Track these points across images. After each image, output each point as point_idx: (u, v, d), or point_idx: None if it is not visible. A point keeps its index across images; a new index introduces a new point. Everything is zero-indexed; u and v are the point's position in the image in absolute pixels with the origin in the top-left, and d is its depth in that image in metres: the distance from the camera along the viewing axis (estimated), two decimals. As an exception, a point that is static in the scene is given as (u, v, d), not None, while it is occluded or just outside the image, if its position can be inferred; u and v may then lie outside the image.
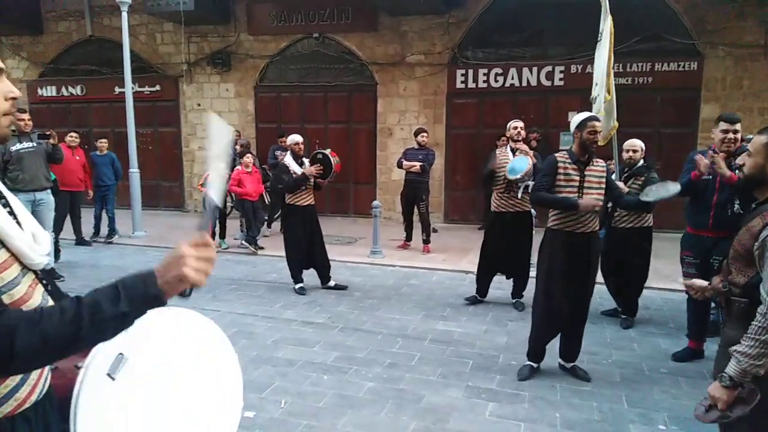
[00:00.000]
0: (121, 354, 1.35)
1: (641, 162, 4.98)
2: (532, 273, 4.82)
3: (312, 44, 11.03)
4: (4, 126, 1.20)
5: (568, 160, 3.80)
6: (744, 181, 2.15)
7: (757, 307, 1.85)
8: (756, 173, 2.05)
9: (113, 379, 1.33)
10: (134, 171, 9.33)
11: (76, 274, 6.69)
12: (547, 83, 9.95)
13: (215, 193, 1.38)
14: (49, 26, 12.24)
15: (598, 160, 3.95)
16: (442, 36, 10.23)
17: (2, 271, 1.10)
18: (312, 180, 5.95)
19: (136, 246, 8.64)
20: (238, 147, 9.13)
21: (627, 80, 9.54)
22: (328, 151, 6.06)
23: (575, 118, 3.87)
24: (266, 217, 9.18)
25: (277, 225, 9.61)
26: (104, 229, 8.90)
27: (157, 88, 11.94)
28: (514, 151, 5.48)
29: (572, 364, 4.06)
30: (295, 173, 5.91)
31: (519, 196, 5.35)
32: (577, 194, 3.74)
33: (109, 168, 8.72)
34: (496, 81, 10.15)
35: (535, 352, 4.04)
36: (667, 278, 5.46)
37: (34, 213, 5.40)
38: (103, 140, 8.94)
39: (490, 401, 3.62)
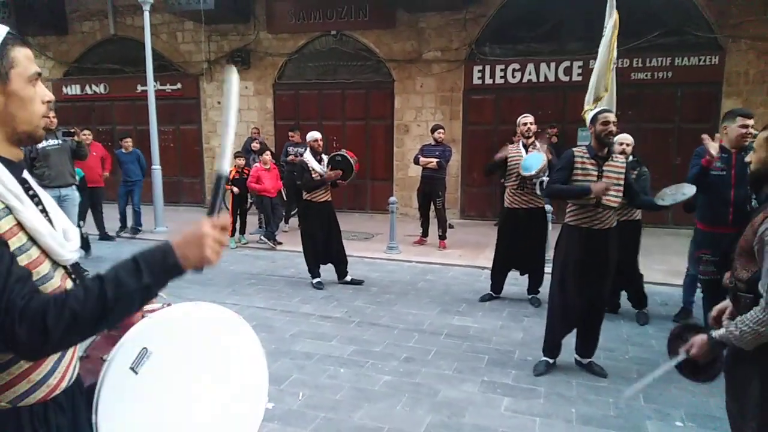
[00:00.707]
0: (145, 348, 1.38)
1: (631, 157, 4.94)
2: (547, 269, 4.81)
3: (330, 42, 11.10)
4: (41, 127, 1.25)
5: (587, 155, 3.80)
6: (752, 177, 2.16)
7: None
8: (761, 168, 2.08)
9: (136, 373, 1.37)
10: (156, 168, 9.51)
11: (101, 268, 6.80)
12: (565, 78, 9.87)
13: (223, 159, 1.35)
14: (74, 26, 12.50)
15: (618, 156, 3.96)
16: (459, 32, 10.21)
17: (36, 267, 1.15)
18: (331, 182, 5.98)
19: (159, 241, 8.78)
20: (256, 145, 9.25)
21: (647, 75, 9.43)
22: (344, 152, 6.06)
23: (589, 116, 3.92)
24: (284, 213, 9.28)
25: (294, 221, 9.72)
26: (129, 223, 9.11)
27: (179, 86, 12.13)
28: (526, 147, 5.46)
29: (588, 360, 4.07)
30: (314, 170, 5.93)
31: (538, 192, 5.34)
32: None
33: (135, 164, 8.92)
34: (514, 77, 10.10)
35: (551, 347, 4.07)
36: (684, 275, 5.41)
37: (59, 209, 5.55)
38: (128, 139, 9.11)
39: (505, 396, 3.65)
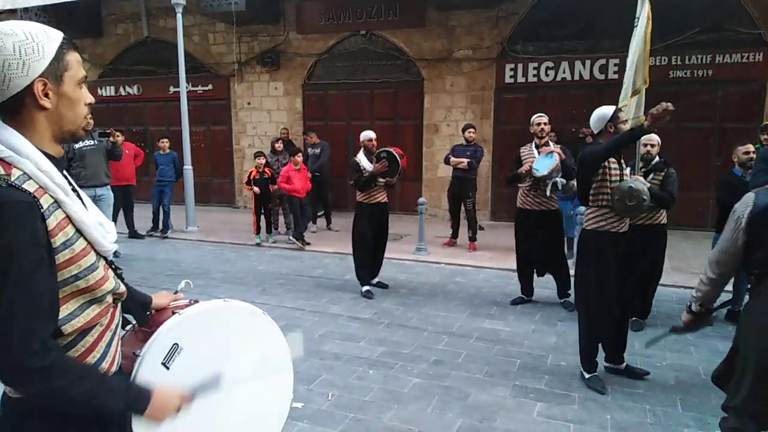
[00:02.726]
0: (176, 344, 1.41)
1: (657, 158, 4.77)
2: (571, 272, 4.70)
3: (359, 41, 11.10)
4: (82, 127, 1.34)
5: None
6: None
7: (765, 281, 2.34)
8: None
9: (168, 368, 1.39)
10: (188, 168, 9.65)
11: (133, 267, 7.00)
12: (601, 77, 9.64)
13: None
14: (109, 29, 12.81)
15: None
16: (491, 30, 10.08)
17: (83, 258, 1.22)
18: (380, 178, 5.75)
19: (190, 240, 8.95)
20: (278, 145, 9.30)
21: (686, 73, 9.15)
22: (390, 148, 5.80)
23: (600, 114, 3.79)
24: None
25: (321, 221, 9.75)
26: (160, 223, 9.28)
27: (210, 87, 12.31)
28: (538, 147, 5.34)
29: (624, 364, 3.94)
30: (365, 169, 5.74)
31: (548, 193, 5.22)
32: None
33: (170, 166, 9.07)
34: (547, 75, 9.92)
35: (591, 361, 3.84)
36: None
37: (96, 208, 5.68)
38: (165, 140, 9.27)
39: (538, 401, 3.56)
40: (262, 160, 8.42)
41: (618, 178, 3.68)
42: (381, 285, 6.16)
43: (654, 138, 4.82)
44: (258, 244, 8.46)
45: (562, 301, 5.49)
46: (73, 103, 1.28)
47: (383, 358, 4.25)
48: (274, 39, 11.54)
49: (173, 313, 1.50)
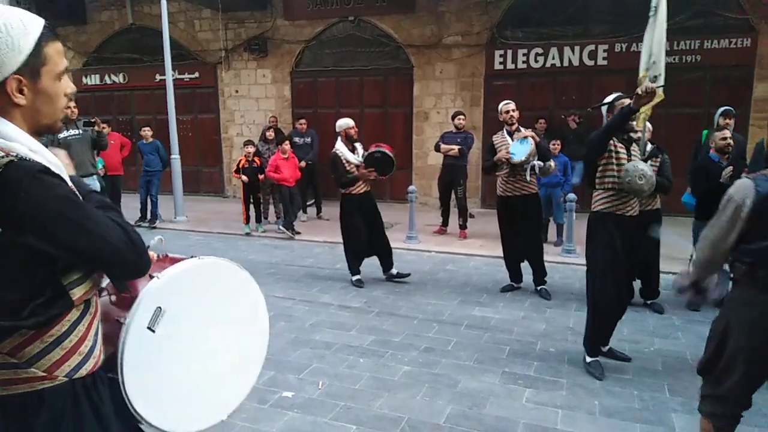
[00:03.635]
0: (159, 307, 1.47)
1: (649, 144, 4.84)
2: (554, 258, 4.74)
3: (347, 28, 10.98)
4: (60, 120, 1.31)
5: (615, 138, 3.74)
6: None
7: (759, 270, 2.26)
8: None
9: (153, 331, 1.46)
10: (175, 157, 9.55)
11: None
12: (590, 63, 9.63)
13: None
14: (92, 15, 12.57)
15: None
16: (480, 16, 10.01)
17: None
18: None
19: (178, 231, 8.88)
20: (270, 133, 9.21)
21: (674, 59, 9.14)
22: (383, 149, 5.61)
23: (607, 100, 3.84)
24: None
25: (311, 211, 9.71)
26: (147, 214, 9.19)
27: (196, 75, 12.14)
28: (511, 134, 5.34)
29: (608, 347, 3.99)
30: (348, 162, 5.61)
31: (527, 178, 5.24)
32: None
33: (155, 155, 8.94)
34: (537, 61, 9.88)
35: (597, 345, 3.86)
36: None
37: (82, 198, 5.61)
38: (147, 128, 9.12)
39: (527, 387, 3.58)
40: (251, 149, 8.34)
41: (625, 161, 3.71)
42: (401, 275, 5.99)
43: (647, 125, 4.84)
44: (248, 234, 8.41)
45: (538, 289, 5.46)
46: (51, 98, 1.24)
47: (373, 346, 4.25)
48: (262, 25, 11.39)
49: (150, 276, 1.53)
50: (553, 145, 7.37)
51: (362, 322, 4.78)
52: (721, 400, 2.43)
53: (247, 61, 11.72)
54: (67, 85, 1.28)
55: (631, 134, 3.82)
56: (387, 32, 10.70)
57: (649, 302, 5.08)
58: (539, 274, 5.47)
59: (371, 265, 6.23)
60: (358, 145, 5.80)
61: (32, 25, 1.18)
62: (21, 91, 1.18)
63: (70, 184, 1.24)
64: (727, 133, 5.06)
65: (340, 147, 5.71)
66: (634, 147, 3.82)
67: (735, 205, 2.27)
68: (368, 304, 5.25)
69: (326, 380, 3.68)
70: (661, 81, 4.65)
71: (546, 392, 3.52)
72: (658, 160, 4.80)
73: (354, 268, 5.90)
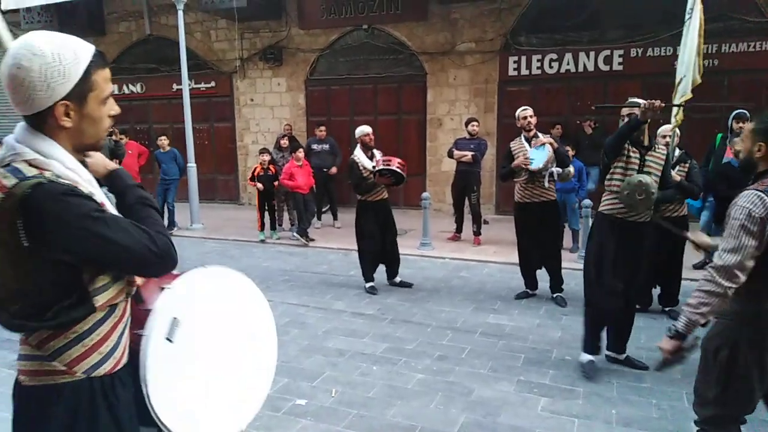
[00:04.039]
0: (175, 318, 1.50)
1: (678, 150, 4.81)
2: (571, 264, 4.71)
3: (361, 36, 11.04)
4: (103, 140, 1.40)
5: (630, 143, 3.76)
6: (740, 165, 2.37)
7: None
8: (747, 157, 2.25)
9: (172, 342, 1.49)
10: (192, 165, 9.66)
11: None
12: (605, 68, 9.55)
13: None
14: (111, 27, 12.80)
15: (661, 147, 3.93)
16: (494, 22, 10.00)
17: None
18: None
19: (194, 238, 8.97)
20: (284, 141, 9.27)
21: (691, 63, 9.04)
22: (393, 167, 5.54)
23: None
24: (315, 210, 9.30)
25: (326, 218, 9.74)
26: (165, 221, 9.29)
27: (212, 84, 12.29)
28: (529, 140, 5.30)
29: (625, 354, 3.95)
30: (364, 168, 5.65)
31: (546, 185, 5.20)
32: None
33: (172, 163, 9.07)
34: (551, 67, 9.83)
35: (593, 343, 3.89)
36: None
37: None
38: (163, 137, 9.25)
39: (542, 396, 3.54)
40: (267, 157, 8.41)
41: (637, 167, 3.72)
42: (404, 284, 6.02)
43: (665, 129, 4.80)
44: (262, 241, 8.46)
45: (554, 296, 5.42)
46: (95, 121, 1.33)
47: (387, 354, 4.24)
48: (276, 35, 11.50)
49: (161, 289, 1.57)
50: (567, 151, 7.31)
51: (376, 329, 4.77)
52: (726, 418, 2.30)
53: (263, 70, 11.83)
54: (112, 107, 1.38)
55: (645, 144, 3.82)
56: (400, 40, 10.73)
57: (667, 309, 5.00)
58: (556, 281, 5.42)
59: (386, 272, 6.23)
60: (376, 152, 5.82)
61: (83, 53, 1.28)
62: (68, 115, 1.27)
63: (99, 194, 1.32)
64: None
65: (358, 153, 5.77)
66: (655, 152, 3.78)
67: (756, 218, 2.03)
68: (382, 311, 5.24)
69: (339, 388, 3.67)
70: (688, 85, 4.61)
71: (562, 401, 3.48)
72: (687, 165, 4.76)
73: (368, 275, 5.90)
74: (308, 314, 5.17)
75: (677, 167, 4.74)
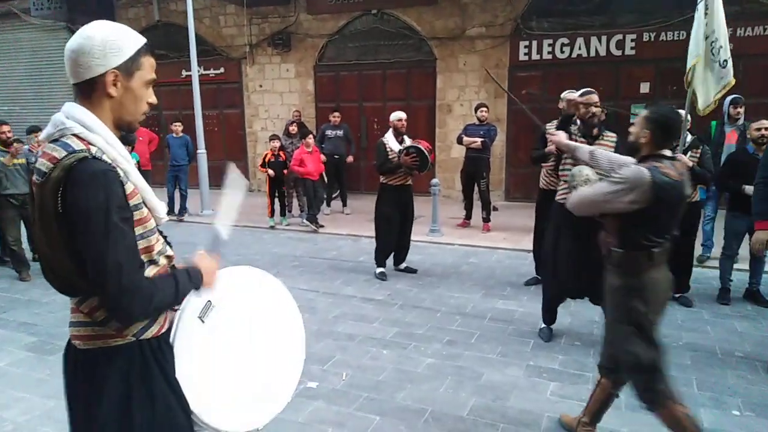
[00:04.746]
0: (209, 301, 1.60)
1: (689, 135, 4.75)
2: None
3: (370, 21, 10.96)
4: (138, 121, 1.52)
5: (578, 134, 3.99)
6: (626, 147, 2.71)
7: (626, 253, 2.57)
8: (633, 140, 2.58)
9: (203, 322, 1.59)
10: (201, 152, 9.70)
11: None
12: (618, 53, 9.44)
13: (223, 225, 1.78)
14: (120, 13, 12.79)
15: (609, 134, 4.08)
16: (504, 6, 9.89)
17: (148, 221, 1.45)
18: (407, 168, 5.62)
19: (205, 224, 9.02)
20: (293, 128, 9.27)
21: (705, 47, 8.90)
22: (419, 144, 5.61)
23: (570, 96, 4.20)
24: (325, 196, 9.32)
25: (336, 204, 9.77)
26: (176, 207, 9.36)
27: (222, 70, 12.28)
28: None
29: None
30: (391, 150, 5.66)
31: None
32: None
33: (183, 149, 9.11)
34: (562, 52, 9.73)
35: (549, 317, 4.31)
36: (744, 259, 5.15)
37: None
38: (178, 123, 9.29)
39: (552, 381, 3.56)
40: (277, 143, 8.42)
41: None
42: (409, 270, 6.06)
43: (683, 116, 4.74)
44: (272, 227, 8.51)
45: None
46: (137, 98, 1.48)
47: (397, 338, 4.27)
48: (285, 20, 11.45)
49: None
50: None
51: (385, 314, 4.81)
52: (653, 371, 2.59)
53: (271, 55, 11.80)
54: (151, 95, 1.52)
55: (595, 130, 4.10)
56: (410, 25, 10.65)
57: (677, 295, 4.99)
58: None
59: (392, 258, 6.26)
60: (407, 138, 5.82)
61: (137, 38, 1.47)
62: (115, 84, 1.42)
63: (134, 172, 1.43)
64: (765, 123, 4.91)
65: (389, 137, 5.79)
66: (602, 141, 4.00)
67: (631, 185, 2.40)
68: (391, 296, 5.27)
69: (350, 371, 3.72)
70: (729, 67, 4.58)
71: (571, 386, 3.50)
72: (699, 151, 4.72)
73: (380, 260, 5.91)
74: (318, 299, 5.22)
75: (689, 153, 4.69)
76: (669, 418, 2.54)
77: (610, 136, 4.02)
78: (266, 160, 8.38)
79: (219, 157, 12.35)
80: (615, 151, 4.01)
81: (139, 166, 7.96)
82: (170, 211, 9.26)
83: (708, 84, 4.53)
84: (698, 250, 5.81)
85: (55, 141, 1.36)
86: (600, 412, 2.88)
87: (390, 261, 6.11)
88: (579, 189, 2.75)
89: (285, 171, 8.37)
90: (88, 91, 1.42)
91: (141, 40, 1.47)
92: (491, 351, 4.02)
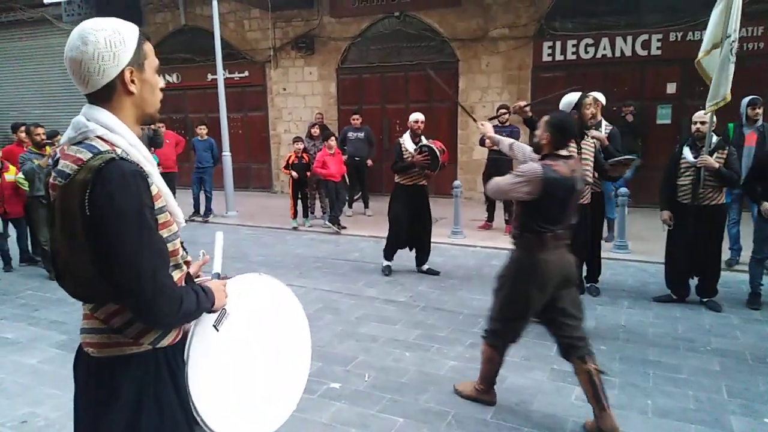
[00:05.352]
0: (224, 309, 1.58)
1: (714, 137, 4.68)
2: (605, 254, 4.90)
3: (393, 23, 10.99)
4: (159, 108, 1.52)
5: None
6: (533, 147, 3.17)
7: (522, 235, 3.05)
8: (537, 141, 3.06)
9: (218, 330, 1.57)
10: (226, 154, 9.83)
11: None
12: (643, 53, 9.29)
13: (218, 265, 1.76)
14: (148, 18, 13.06)
15: (593, 133, 4.52)
16: (527, 7, 9.82)
17: (171, 224, 1.45)
18: (419, 168, 5.74)
19: (230, 225, 9.15)
20: (315, 130, 9.35)
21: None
22: (431, 143, 5.74)
23: (566, 102, 4.41)
24: (347, 198, 9.37)
25: (357, 206, 9.81)
26: (201, 209, 9.51)
27: (246, 74, 12.43)
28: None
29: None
30: (406, 150, 5.79)
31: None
32: None
33: (207, 152, 9.26)
34: (587, 52, 9.62)
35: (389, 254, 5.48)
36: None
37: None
38: (203, 126, 9.44)
39: (576, 385, 3.51)
40: (301, 145, 8.49)
41: (575, 154, 4.01)
42: (432, 272, 6.08)
43: (700, 115, 4.65)
44: (295, 228, 8.58)
45: (588, 286, 5.31)
46: (153, 87, 1.47)
47: (419, 340, 4.28)
48: (308, 24, 11.55)
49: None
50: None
51: (408, 316, 4.81)
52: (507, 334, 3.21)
53: (295, 59, 11.91)
54: (160, 80, 1.51)
55: (585, 131, 4.47)
56: (432, 27, 10.64)
57: (705, 300, 4.89)
58: (593, 272, 5.32)
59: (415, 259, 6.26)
60: (423, 138, 5.88)
61: (132, 26, 1.43)
62: (133, 81, 1.40)
63: (156, 174, 1.41)
64: None
65: (406, 138, 5.91)
66: (587, 140, 4.35)
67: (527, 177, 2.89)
68: (413, 298, 5.28)
69: (373, 373, 3.73)
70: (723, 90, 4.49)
71: (596, 390, 3.45)
72: (725, 152, 4.61)
73: (387, 254, 6.08)
74: (341, 300, 5.25)
75: (715, 154, 4.60)
76: (488, 355, 3.25)
77: (591, 140, 4.44)
78: (289, 162, 8.45)
79: (243, 160, 12.53)
80: (597, 152, 4.54)
81: (161, 168, 8.10)
82: (195, 213, 9.42)
83: (719, 83, 4.46)
84: (726, 254, 5.68)
85: (78, 143, 1.34)
86: (492, 376, 3.31)
87: (412, 262, 6.14)
88: (494, 178, 3.14)
89: (308, 173, 8.44)
90: (107, 95, 1.38)
91: (136, 28, 1.43)
92: (514, 354, 3.98)
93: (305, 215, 8.77)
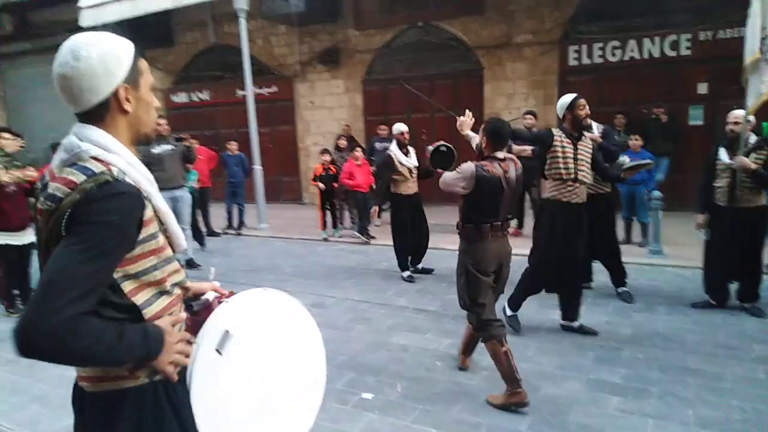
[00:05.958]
0: (227, 331, 1.46)
1: (753, 135, 4.54)
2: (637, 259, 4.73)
3: (417, 34, 11.05)
4: (154, 127, 1.47)
5: (563, 135, 4.21)
6: (477, 151, 3.61)
7: (464, 225, 3.51)
8: (479, 144, 3.59)
9: (221, 354, 1.45)
10: (257, 168, 10.02)
11: (211, 262, 7.33)
12: (672, 54, 9.11)
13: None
14: (178, 38, 13.44)
15: (590, 134, 4.45)
16: (552, 12, 9.75)
17: (164, 250, 1.35)
18: (414, 172, 6.13)
19: (262, 237, 9.29)
20: (342, 142, 9.43)
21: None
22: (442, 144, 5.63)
23: (561, 102, 4.34)
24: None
25: (386, 216, 9.82)
26: (234, 221, 9.70)
27: (274, 89, 12.66)
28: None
29: (579, 323, 4.44)
30: (401, 163, 6.05)
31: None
32: (573, 165, 4.16)
33: (238, 167, 9.51)
34: (614, 55, 9.49)
35: (517, 304, 4.75)
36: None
37: (174, 209, 6.01)
38: (233, 142, 9.69)
39: (614, 395, 3.45)
40: (328, 157, 8.59)
41: (571, 155, 4.17)
42: (425, 270, 6.39)
43: (740, 115, 4.52)
44: (325, 239, 8.66)
45: (619, 291, 5.23)
46: (148, 106, 1.40)
47: (450, 350, 4.24)
48: (333, 37, 11.70)
49: (220, 302, 1.56)
50: (635, 140, 7.04)
51: (438, 325, 4.79)
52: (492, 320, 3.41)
53: (321, 72, 12.07)
54: (155, 100, 1.44)
55: (584, 131, 4.37)
56: (456, 35, 10.66)
57: (747, 305, 4.73)
58: (618, 276, 5.25)
59: (448, 268, 6.23)
60: (411, 149, 6.20)
61: (126, 42, 1.36)
62: (128, 99, 1.33)
63: (156, 194, 1.34)
64: None
65: (394, 149, 6.14)
66: (583, 142, 4.25)
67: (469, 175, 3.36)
68: (443, 307, 5.25)
69: (404, 383, 3.72)
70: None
71: (635, 401, 3.37)
72: (764, 152, 4.48)
73: (404, 265, 6.26)
74: (371, 310, 5.26)
75: (752, 154, 4.46)
76: (492, 351, 3.38)
77: (589, 140, 4.40)
78: (317, 174, 8.55)
79: (273, 173, 12.71)
80: (596, 151, 4.43)
81: (199, 184, 8.32)
82: (229, 226, 9.60)
83: (756, 83, 4.32)
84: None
85: (71, 165, 1.24)
86: (470, 348, 3.82)
87: (438, 271, 6.27)
88: (444, 173, 3.54)
89: (335, 184, 8.51)
90: (100, 115, 1.31)
91: (131, 44, 1.36)
92: (549, 364, 3.94)
93: (334, 226, 8.84)
